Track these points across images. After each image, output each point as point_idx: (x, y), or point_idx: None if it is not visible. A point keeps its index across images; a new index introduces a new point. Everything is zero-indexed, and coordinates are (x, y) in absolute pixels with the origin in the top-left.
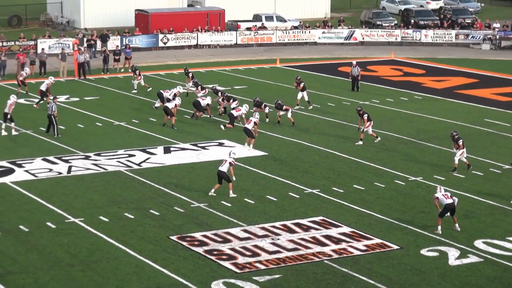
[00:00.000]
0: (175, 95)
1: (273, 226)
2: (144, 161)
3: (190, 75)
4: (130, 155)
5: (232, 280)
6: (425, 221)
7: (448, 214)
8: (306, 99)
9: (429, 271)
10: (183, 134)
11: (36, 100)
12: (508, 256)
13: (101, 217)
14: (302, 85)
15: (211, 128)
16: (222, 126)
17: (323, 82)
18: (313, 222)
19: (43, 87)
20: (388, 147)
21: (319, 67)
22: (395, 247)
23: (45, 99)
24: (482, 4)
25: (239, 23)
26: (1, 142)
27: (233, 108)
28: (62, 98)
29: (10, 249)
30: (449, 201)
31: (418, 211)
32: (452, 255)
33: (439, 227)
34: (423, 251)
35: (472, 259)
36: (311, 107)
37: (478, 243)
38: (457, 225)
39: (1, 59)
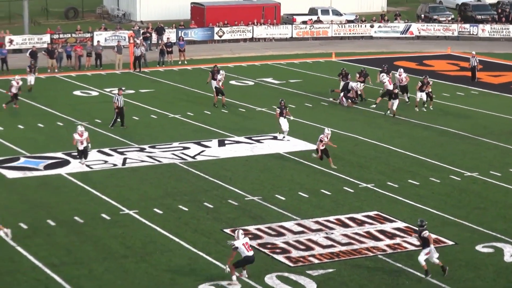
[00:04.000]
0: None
1: (327, 220)
2: (198, 153)
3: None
4: (185, 148)
5: (286, 274)
6: (481, 217)
7: None
8: (359, 92)
9: (484, 267)
10: (237, 127)
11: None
12: None
13: (155, 209)
14: (349, 76)
15: (265, 121)
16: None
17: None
18: (368, 216)
19: (14, 90)
20: (444, 143)
21: (374, 61)
22: (450, 242)
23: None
24: None
25: (294, 16)
26: (57, 133)
27: None
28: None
29: (65, 240)
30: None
31: (474, 207)
32: (508, 251)
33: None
34: (478, 247)
35: None
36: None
37: None
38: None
39: (58, 51)
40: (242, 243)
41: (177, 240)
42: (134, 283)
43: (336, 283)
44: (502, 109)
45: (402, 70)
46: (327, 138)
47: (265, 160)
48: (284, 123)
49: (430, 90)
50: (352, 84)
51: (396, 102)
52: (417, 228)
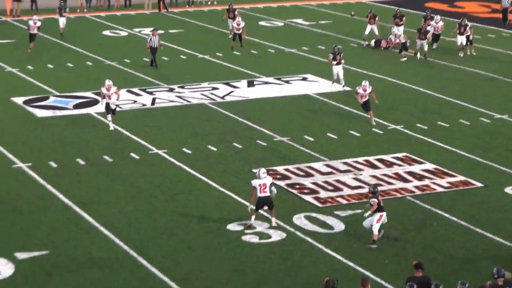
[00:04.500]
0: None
1: (356, 162)
2: (227, 94)
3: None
4: (214, 88)
5: (314, 214)
6: (510, 159)
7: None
8: (376, 33)
9: None
10: (267, 68)
11: None
12: None
13: (184, 149)
14: (376, 19)
15: (294, 62)
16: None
17: (409, 18)
18: (396, 158)
19: (32, 30)
20: (474, 85)
21: (406, 3)
22: (479, 184)
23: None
24: None
25: None
26: (86, 73)
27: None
28: (146, 31)
29: (95, 179)
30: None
31: (503, 149)
32: None
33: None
34: (507, 189)
35: None
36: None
37: None
38: None
39: None
40: (258, 183)
41: (205, 180)
42: (162, 222)
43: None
44: None
45: (439, 17)
46: (365, 90)
47: (294, 100)
48: (337, 70)
49: (469, 33)
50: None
51: (424, 42)
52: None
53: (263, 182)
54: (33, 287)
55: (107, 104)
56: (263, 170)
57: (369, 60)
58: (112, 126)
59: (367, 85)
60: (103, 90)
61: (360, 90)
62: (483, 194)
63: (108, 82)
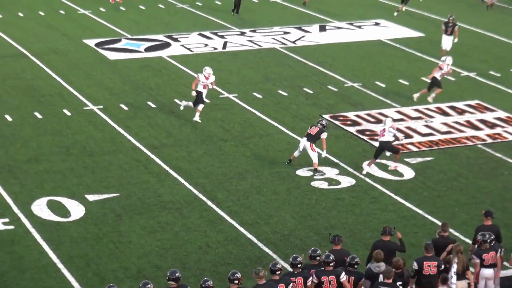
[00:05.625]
0: None
1: (427, 108)
2: (299, 39)
3: None
4: (285, 33)
5: (383, 161)
6: None
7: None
8: None
9: None
10: (339, 13)
11: None
12: None
13: (255, 94)
14: None
15: (366, 8)
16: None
17: None
18: (468, 105)
19: None
20: None
21: None
22: None
23: None
24: None
25: None
26: (158, 16)
27: None
28: None
29: (165, 122)
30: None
31: None
32: None
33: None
34: None
35: None
36: None
37: None
38: None
39: None
40: (380, 129)
41: (276, 124)
42: (232, 166)
43: (434, 171)
44: None
45: None
46: (447, 68)
47: (366, 46)
48: (447, 41)
49: None
50: None
51: None
52: None
53: (383, 127)
54: (103, 228)
55: (200, 94)
56: (390, 118)
57: (439, 2)
58: (198, 118)
59: (450, 63)
60: (201, 77)
61: (444, 66)
62: None
63: (208, 70)
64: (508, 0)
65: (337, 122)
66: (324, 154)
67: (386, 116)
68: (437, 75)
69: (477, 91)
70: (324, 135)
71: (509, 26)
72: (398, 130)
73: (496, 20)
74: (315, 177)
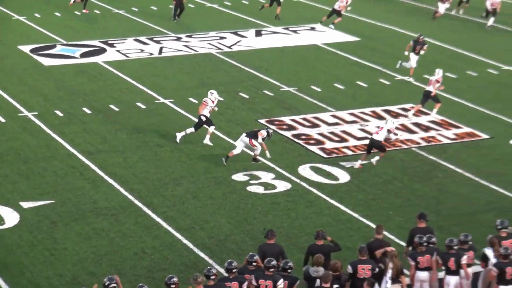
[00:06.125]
0: None
1: (362, 112)
2: (235, 44)
3: None
4: (221, 38)
5: (319, 165)
6: None
7: None
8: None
9: None
10: (274, 18)
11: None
12: None
13: (190, 99)
14: None
15: (302, 12)
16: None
17: None
18: (403, 109)
19: None
20: (482, 36)
21: None
22: (485, 136)
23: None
24: None
25: None
26: (94, 21)
27: None
28: None
29: (100, 128)
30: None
31: (510, 101)
32: None
33: None
34: None
35: None
36: None
37: None
38: None
39: None
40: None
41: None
42: (168, 171)
43: (369, 175)
44: None
45: None
46: (438, 83)
47: (302, 51)
48: (414, 59)
49: None
50: None
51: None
52: None
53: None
54: (38, 236)
55: (207, 117)
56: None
57: (378, 9)
58: (208, 140)
59: (439, 76)
60: (209, 102)
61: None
62: (489, 146)
63: (215, 94)
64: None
65: (273, 127)
66: (268, 154)
67: (321, 120)
68: (432, 89)
69: (412, 94)
70: (262, 131)
71: (443, 31)
72: (333, 134)
73: (430, 25)
74: (251, 181)
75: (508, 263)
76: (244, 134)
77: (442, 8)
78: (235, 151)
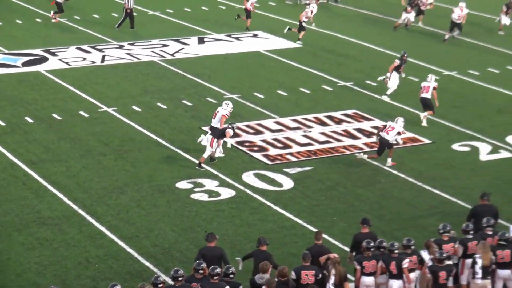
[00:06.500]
0: None
1: (305, 119)
2: (177, 51)
3: None
4: (164, 45)
5: (263, 172)
6: (458, 116)
7: None
8: None
9: (460, 166)
10: (217, 25)
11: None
12: None
13: (134, 107)
14: None
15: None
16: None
17: None
18: (345, 115)
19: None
20: (424, 42)
21: None
22: (427, 141)
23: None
24: None
25: None
26: (35, 30)
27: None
28: None
29: (43, 137)
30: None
31: (451, 106)
32: (484, 150)
33: None
34: (455, 146)
35: (504, 154)
36: None
37: (510, 139)
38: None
39: None
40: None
41: (155, 137)
42: (112, 180)
43: (313, 181)
44: (483, 8)
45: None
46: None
47: (245, 57)
48: (395, 79)
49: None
50: None
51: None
52: None
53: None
54: None
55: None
56: (389, 122)
57: (319, 15)
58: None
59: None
60: (229, 114)
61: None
62: (431, 150)
63: (231, 105)
64: (387, 11)
65: None
66: (229, 144)
67: (265, 127)
68: (429, 95)
69: (354, 100)
70: (229, 131)
71: (384, 36)
72: (277, 140)
73: (371, 30)
74: (195, 189)
75: (443, 267)
76: (209, 133)
77: (404, 17)
78: (205, 155)
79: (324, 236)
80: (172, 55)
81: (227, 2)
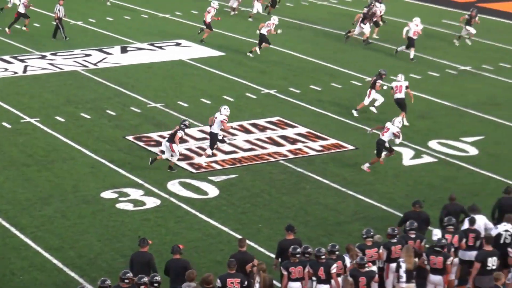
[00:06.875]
0: None
1: (230, 127)
2: (100, 61)
3: None
4: (87, 55)
5: (188, 180)
6: (381, 122)
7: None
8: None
9: (383, 171)
10: (140, 34)
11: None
12: (461, 156)
13: (57, 117)
14: None
15: (167, 27)
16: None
17: None
18: (270, 122)
19: (21, 10)
20: (346, 48)
21: None
22: (351, 147)
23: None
24: None
25: None
26: None
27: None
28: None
29: None
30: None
31: (374, 112)
32: (407, 155)
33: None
34: None
35: (426, 159)
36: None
37: (433, 144)
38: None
39: None
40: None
41: (79, 148)
42: (36, 191)
43: (238, 188)
44: (406, 14)
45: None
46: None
47: (168, 66)
48: (377, 96)
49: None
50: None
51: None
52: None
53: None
54: None
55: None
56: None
57: (242, 24)
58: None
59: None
60: (227, 119)
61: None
62: (354, 156)
63: (228, 109)
64: (310, 18)
65: (141, 143)
66: (180, 150)
67: (189, 135)
68: (403, 95)
69: (278, 107)
70: (178, 133)
71: (307, 44)
72: (201, 149)
73: (292, 37)
74: (120, 199)
75: (363, 273)
76: (165, 139)
77: (359, 29)
78: (164, 156)
79: (250, 243)
80: (95, 64)
81: (149, 11)
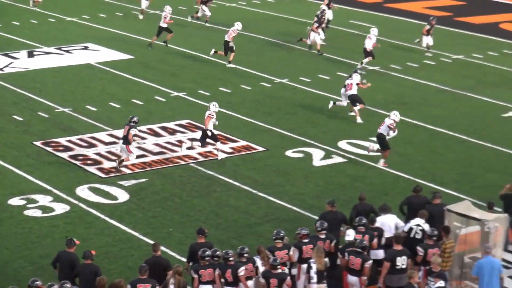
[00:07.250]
0: None
1: (139, 130)
2: (7, 65)
3: None
4: None
5: (98, 185)
6: (291, 123)
7: None
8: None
9: (294, 172)
10: (47, 37)
11: None
12: (371, 156)
13: None
14: None
15: (75, 31)
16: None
17: None
18: (179, 125)
19: None
20: (255, 49)
21: None
22: (261, 149)
23: None
24: None
25: None
26: None
27: None
28: None
29: None
30: None
31: (284, 113)
32: (317, 156)
33: None
34: (288, 153)
35: (336, 159)
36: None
37: (342, 144)
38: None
39: None
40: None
41: None
42: None
43: (148, 192)
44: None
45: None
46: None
47: (76, 70)
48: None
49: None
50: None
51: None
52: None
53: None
54: None
55: (212, 133)
56: None
57: (151, 26)
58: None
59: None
60: (214, 115)
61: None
62: (265, 158)
63: (217, 105)
64: (214, 21)
65: (49, 149)
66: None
67: (98, 140)
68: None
69: (188, 110)
70: (131, 132)
71: (215, 46)
72: (110, 153)
73: (203, 40)
74: (28, 205)
75: (275, 274)
76: (121, 142)
77: (317, 37)
78: (131, 157)
79: (161, 247)
80: (1, 69)
81: (57, 14)
